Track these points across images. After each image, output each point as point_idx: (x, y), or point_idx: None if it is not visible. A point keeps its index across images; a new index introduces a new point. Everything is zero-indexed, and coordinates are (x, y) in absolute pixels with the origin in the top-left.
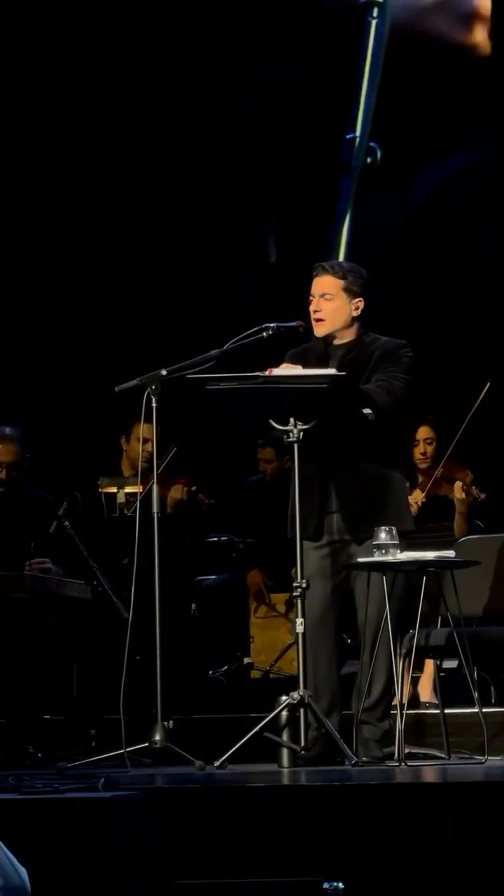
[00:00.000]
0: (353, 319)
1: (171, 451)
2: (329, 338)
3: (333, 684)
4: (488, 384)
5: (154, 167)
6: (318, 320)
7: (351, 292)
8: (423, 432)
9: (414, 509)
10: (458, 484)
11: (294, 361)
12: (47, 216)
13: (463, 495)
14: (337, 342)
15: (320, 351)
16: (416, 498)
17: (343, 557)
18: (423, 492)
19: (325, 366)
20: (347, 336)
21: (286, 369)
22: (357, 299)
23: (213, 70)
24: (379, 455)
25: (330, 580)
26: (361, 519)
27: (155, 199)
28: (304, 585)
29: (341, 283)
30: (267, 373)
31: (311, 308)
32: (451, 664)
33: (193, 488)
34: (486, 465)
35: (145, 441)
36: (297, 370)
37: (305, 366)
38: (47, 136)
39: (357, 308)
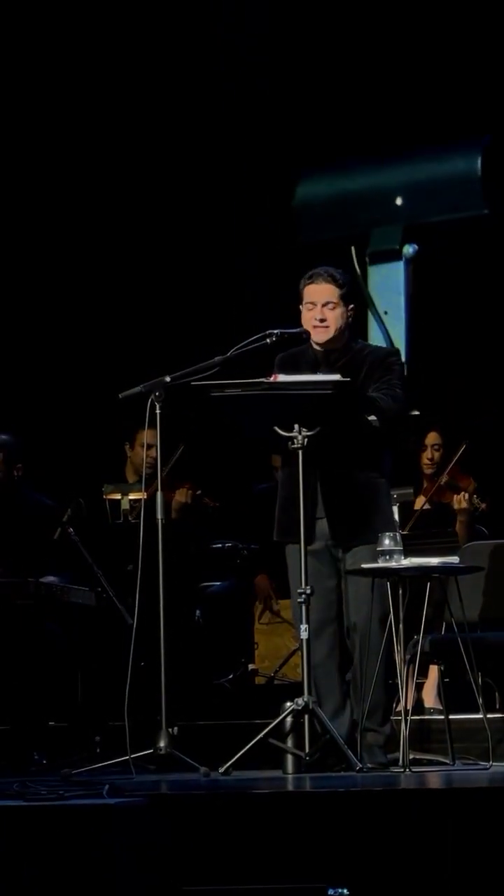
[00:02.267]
0: (347, 326)
1: (178, 451)
2: (322, 345)
3: (339, 686)
4: (464, 445)
5: (156, 171)
6: (322, 328)
7: (347, 300)
8: (432, 437)
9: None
10: (460, 494)
11: (284, 366)
12: (50, 223)
13: (465, 505)
14: (328, 348)
15: (311, 357)
16: (419, 504)
17: (333, 561)
18: (426, 498)
19: (316, 372)
20: (338, 342)
21: (299, 375)
22: (350, 306)
23: (215, 72)
24: (367, 463)
25: (324, 583)
26: (347, 526)
27: (158, 206)
28: (307, 591)
29: (340, 291)
30: (271, 379)
31: (315, 316)
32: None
33: (198, 492)
34: (490, 471)
35: (149, 447)
36: (305, 375)
37: (296, 372)
38: (48, 141)
39: (350, 315)
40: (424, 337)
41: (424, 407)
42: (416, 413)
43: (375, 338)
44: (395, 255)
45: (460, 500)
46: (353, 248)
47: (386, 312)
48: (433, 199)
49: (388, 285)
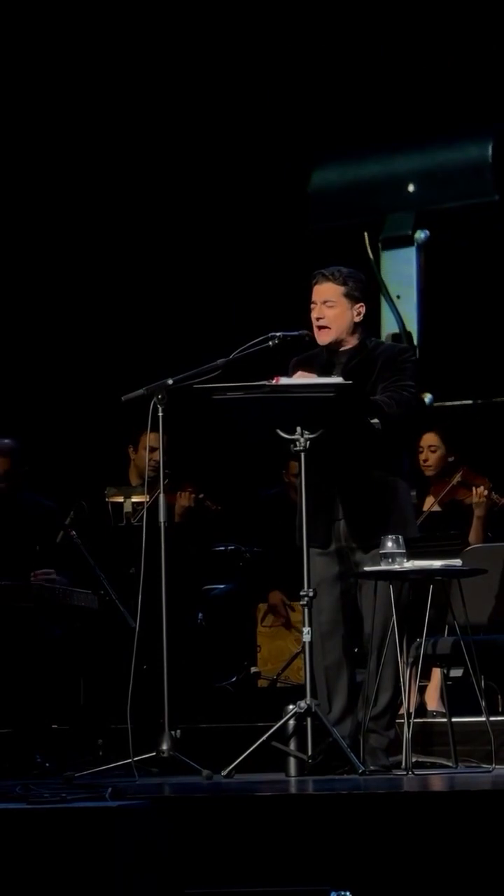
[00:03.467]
0: (356, 325)
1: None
2: (332, 345)
3: (348, 689)
4: (462, 469)
5: (158, 173)
6: (322, 328)
7: (352, 298)
8: (427, 439)
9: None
10: (480, 489)
11: (298, 368)
12: (51, 226)
13: (483, 499)
14: (340, 349)
15: (324, 358)
16: (428, 505)
17: (350, 564)
18: (435, 499)
19: (329, 373)
20: (350, 342)
21: (299, 377)
22: (358, 304)
23: (218, 75)
24: (384, 463)
25: (338, 586)
26: (366, 527)
27: (159, 208)
28: (311, 594)
29: (342, 289)
30: (273, 382)
31: (314, 316)
32: (456, 672)
33: (201, 495)
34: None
35: (152, 450)
36: (307, 378)
37: (309, 373)
38: (49, 142)
39: (359, 313)
40: (436, 320)
41: (436, 392)
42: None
43: (388, 321)
44: (407, 241)
45: (479, 495)
46: (366, 234)
47: (398, 296)
48: (445, 187)
49: (401, 270)
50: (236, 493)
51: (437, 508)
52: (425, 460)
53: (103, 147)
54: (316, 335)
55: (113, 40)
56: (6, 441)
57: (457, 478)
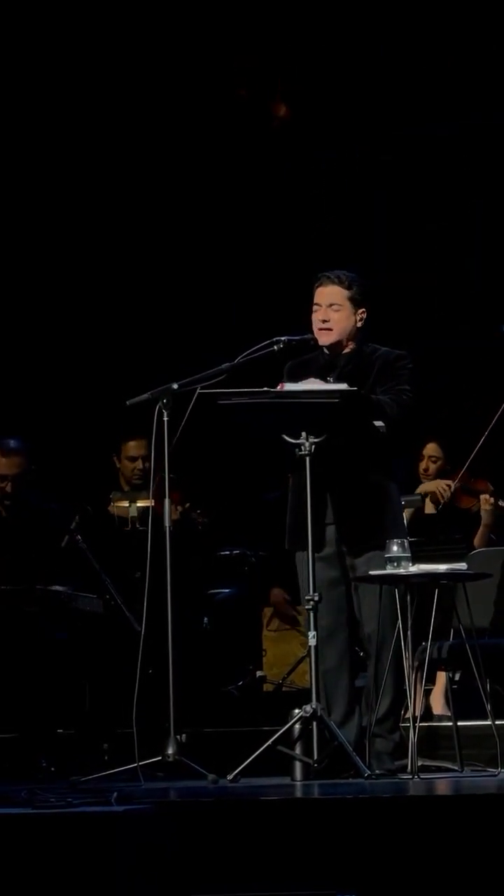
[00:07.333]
0: (357, 330)
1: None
2: (330, 348)
3: (348, 693)
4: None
5: (159, 175)
6: (325, 330)
7: (356, 302)
8: (430, 449)
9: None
10: (486, 497)
11: (294, 372)
12: (56, 232)
13: (490, 507)
14: (338, 353)
15: (321, 362)
16: (428, 510)
17: (343, 568)
18: (433, 504)
19: (326, 377)
20: (349, 346)
21: (308, 384)
22: (361, 309)
23: (219, 76)
24: (376, 467)
25: (335, 590)
26: (357, 531)
27: (162, 212)
28: (315, 598)
29: (347, 292)
30: (279, 387)
31: (319, 318)
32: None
33: (187, 505)
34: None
35: (133, 459)
36: (312, 385)
37: (306, 377)
38: (50, 143)
39: (361, 318)
40: None
41: None
42: None
43: None
44: None
45: (487, 502)
46: None
47: None
48: None
49: None
50: (242, 497)
51: (431, 511)
52: (426, 469)
53: (105, 150)
54: (317, 336)
55: (112, 38)
56: (14, 441)
57: (457, 483)
